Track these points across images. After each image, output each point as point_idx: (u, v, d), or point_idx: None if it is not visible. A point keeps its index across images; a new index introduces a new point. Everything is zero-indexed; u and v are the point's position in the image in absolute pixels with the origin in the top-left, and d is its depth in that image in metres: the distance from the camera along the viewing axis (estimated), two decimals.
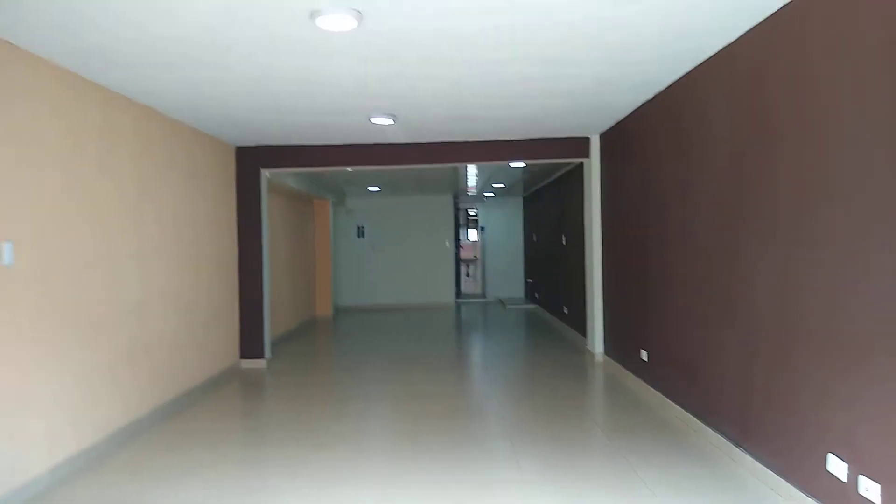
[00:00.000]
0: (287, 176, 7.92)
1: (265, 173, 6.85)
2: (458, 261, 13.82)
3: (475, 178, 10.09)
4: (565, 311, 8.77)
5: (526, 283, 13.26)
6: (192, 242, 5.48)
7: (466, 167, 8.70)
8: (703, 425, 3.99)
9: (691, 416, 4.20)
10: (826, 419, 2.72)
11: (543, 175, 9.67)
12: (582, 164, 7.06)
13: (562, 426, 4.40)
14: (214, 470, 3.70)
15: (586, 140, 6.68)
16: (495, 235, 13.82)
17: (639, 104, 5.14)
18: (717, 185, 3.81)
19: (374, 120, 5.35)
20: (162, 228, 4.91)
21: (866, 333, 2.46)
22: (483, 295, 13.93)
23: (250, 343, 6.77)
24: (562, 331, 8.86)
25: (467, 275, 15.22)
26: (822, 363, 2.74)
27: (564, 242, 8.78)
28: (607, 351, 6.49)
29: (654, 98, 4.86)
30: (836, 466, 2.64)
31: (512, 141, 6.67)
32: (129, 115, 4.47)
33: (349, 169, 7.12)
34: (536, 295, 11.75)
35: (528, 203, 12.93)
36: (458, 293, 13.89)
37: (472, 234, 17.62)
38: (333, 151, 6.69)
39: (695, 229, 4.16)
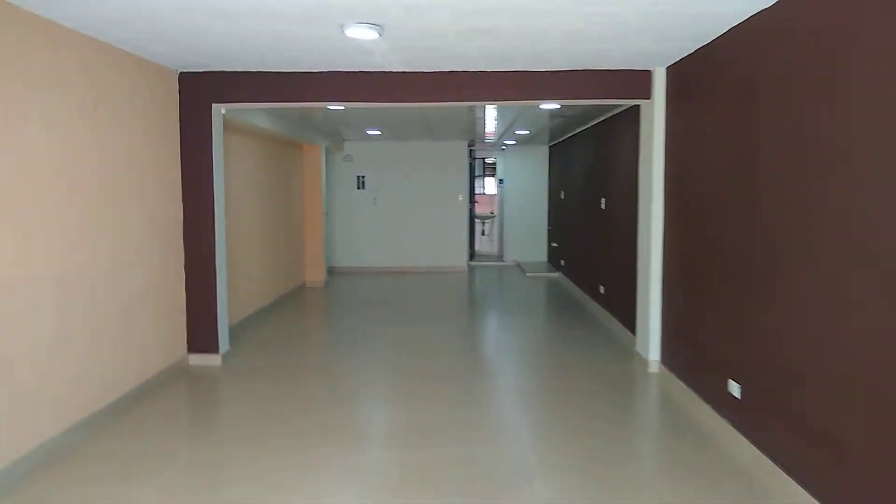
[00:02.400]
0: (256, 114, 6.23)
1: (219, 109, 5.17)
2: (472, 217, 12.11)
3: (495, 122, 8.32)
4: (601, 290, 7.14)
5: (550, 246, 11.58)
6: (98, 203, 3.88)
7: (485, 108, 6.94)
8: None
9: None
10: None
11: (580, 120, 7.88)
12: (637, 106, 5.31)
13: None
14: None
15: (647, 74, 4.91)
16: (516, 189, 12.03)
17: (745, 16, 3.38)
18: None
19: (349, 32, 3.62)
20: (36, 184, 3.31)
21: None
22: (500, 257, 12.29)
23: (200, 333, 5.23)
24: (597, 315, 7.25)
25: (483, 233, 13.59)
26: None
27: (604, 206, 7.07)
28: (666, 360, 4.88)
29: (771, 7, 3.11)
30: None
31: (546, 73, 4.92)
32: None
33: (332, 107, 5.43)
34: (562, 262, 10.10)
35: (555, 153, 11.11)
36: (472, 254, 12.27)
37: (490, 186, 15.87)
38: (306, 81, 4.97)
39: (843, 206, 2.48)
